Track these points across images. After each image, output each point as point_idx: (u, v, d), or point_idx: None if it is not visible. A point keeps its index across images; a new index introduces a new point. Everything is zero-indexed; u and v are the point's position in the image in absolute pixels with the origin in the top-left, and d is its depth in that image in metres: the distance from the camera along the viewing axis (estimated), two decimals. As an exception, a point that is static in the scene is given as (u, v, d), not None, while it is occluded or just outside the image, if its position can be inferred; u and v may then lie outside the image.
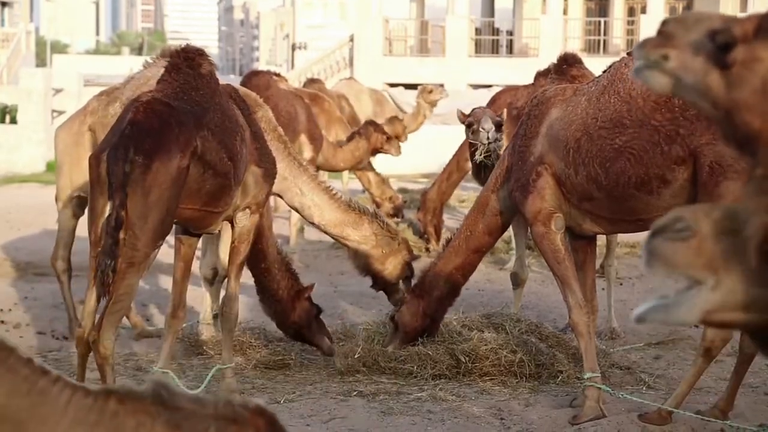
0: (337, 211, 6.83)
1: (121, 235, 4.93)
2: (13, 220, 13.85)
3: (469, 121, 7.35)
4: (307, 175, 6.80)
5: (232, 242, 5.80)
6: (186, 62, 5.55)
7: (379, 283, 7.07)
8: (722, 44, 1.94)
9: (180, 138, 5.12)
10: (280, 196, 6.90)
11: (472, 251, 6.11)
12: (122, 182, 4.92)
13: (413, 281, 6.60)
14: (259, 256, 6.51)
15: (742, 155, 2.01)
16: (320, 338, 6.67)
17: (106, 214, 4.95)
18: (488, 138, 7.04)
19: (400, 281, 7.05)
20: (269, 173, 5.92)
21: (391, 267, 6.94)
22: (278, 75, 11.59)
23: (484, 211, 5.99)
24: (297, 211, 6.96)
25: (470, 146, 7.39)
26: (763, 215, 1.84)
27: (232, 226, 5.79)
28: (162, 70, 6.95)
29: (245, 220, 5.76)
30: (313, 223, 6.94)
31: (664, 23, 2.06)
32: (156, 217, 4.98)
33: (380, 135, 10.96)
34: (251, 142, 5.80)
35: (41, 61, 50.43)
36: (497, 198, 5.92)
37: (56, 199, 7.55)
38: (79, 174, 7.30)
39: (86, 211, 7.24)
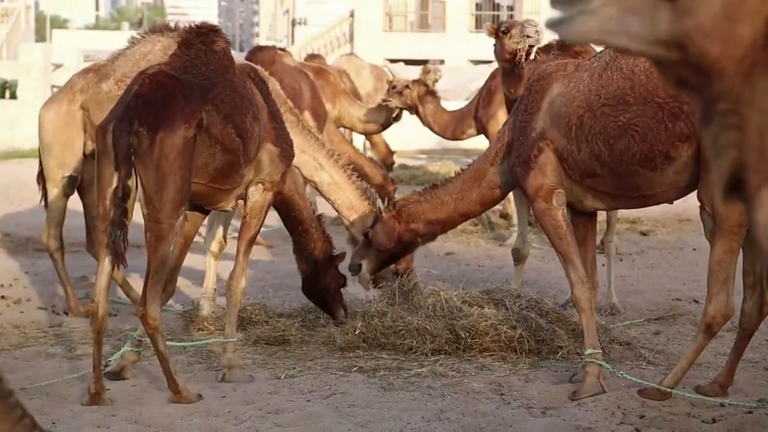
0: (353, 195, 6.96)
1: (144, 210, 5.07)
2: (13, 195, 13.85)
3: (506, 27, 7.14)
4: (325, 150, 6.88)
5: (244, 217, 5.83)
6: (199, 38, 5.62)
7: None
8: None
9: (185, 109, 5.18)
10: (299, 170, 6.99)
11: (460, 214, 6.11)
12: (126, 154, 5.02)
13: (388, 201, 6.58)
14: (295, 222, 6.66)
15: (685, 92, 1.86)
16: (338, 308, 6.82)
17: (113, 185, 5.04)
18: (537, 31, 6.79)
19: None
20: (286, 154, 5.95)
21: None
22: (283, 50, 11.55)
23: (481, 183, 5.95)
24: (315, 186, 7.02)
25: (503, 54, 7.14)
26: (731, 151, 1.80)
27: (245, 203, 5.81)
28: (156, 46, 7.00)
29: (257, 195, 5.78)
30: (328, 200, 7.04)
31: None
32: (171, 187, 5.08)
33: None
34: (269, 121, 5.83)
35: (41, 37, 50.32)
36: (496, 172, 5.89)
37: (39, 179, 7.50)
38: (70, 154, 7.28)
39: (76, 189, 7.35)
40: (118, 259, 5.10)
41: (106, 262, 5.22)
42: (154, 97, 5.17)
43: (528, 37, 6.69)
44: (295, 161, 6.79)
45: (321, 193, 7.08)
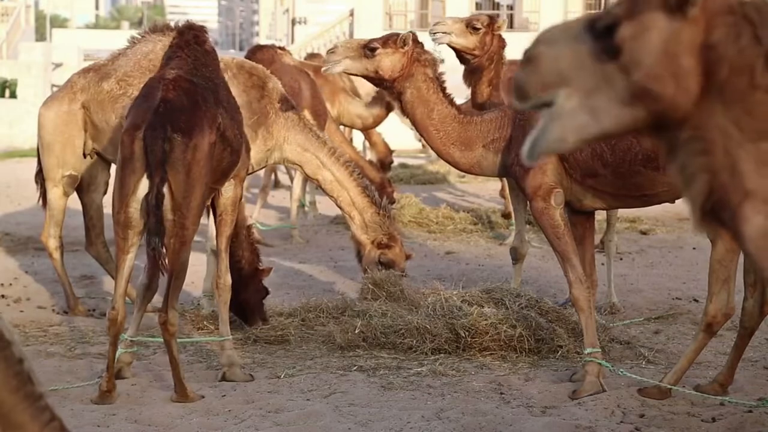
0: (354, 191, 7.05)
1: (170, 216, 5.04)
2: (13, 194, 13.85)
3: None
4: (327, 148, 6.93)
5: (219, 214, 5.83)
6: (194, 38, 5.63)
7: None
8: (605, 28, 1.87)
9: (208, 114, 5.23)
10: (302, 168, 7.04)
11: (430, 139, 5.88)
12: (161, 160, 5.00)
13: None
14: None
15: (654, 139, 1.94)
16: (254, 319, 6.66)
17: (138, 192, 5.03)
18: (434, 33, 6.99)
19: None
20: (248, 148, 6.04)
21: (365, 253, 7.22)
22: (283, 48, 11.55)
23: (464, 151, 5.78)
24: (318, 183, 7.12)
25: None
26: (703, 175, 1.85)
27: (217, 200, 5.79)
28: (157, 45, 7.00)
29: (230, 191, 5.81)
30: (331, 197, 7.16)
31: (526, 53, 1.96)
32: (198, 193, 5.11)
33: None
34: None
35: (41, 36, 50.30)
36: (484, 156, 5.77)
37: (37, 178, 7.49)
38: (71, 153, 7.29)
39: (76, 189, 7.36)
40: (161, 267, 5.11)
41: (125, 268, 5.23)
42: (182, 103, 5.17)
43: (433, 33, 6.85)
44: (297, 159, 6.93)
45: (323, 191, 7.17)
